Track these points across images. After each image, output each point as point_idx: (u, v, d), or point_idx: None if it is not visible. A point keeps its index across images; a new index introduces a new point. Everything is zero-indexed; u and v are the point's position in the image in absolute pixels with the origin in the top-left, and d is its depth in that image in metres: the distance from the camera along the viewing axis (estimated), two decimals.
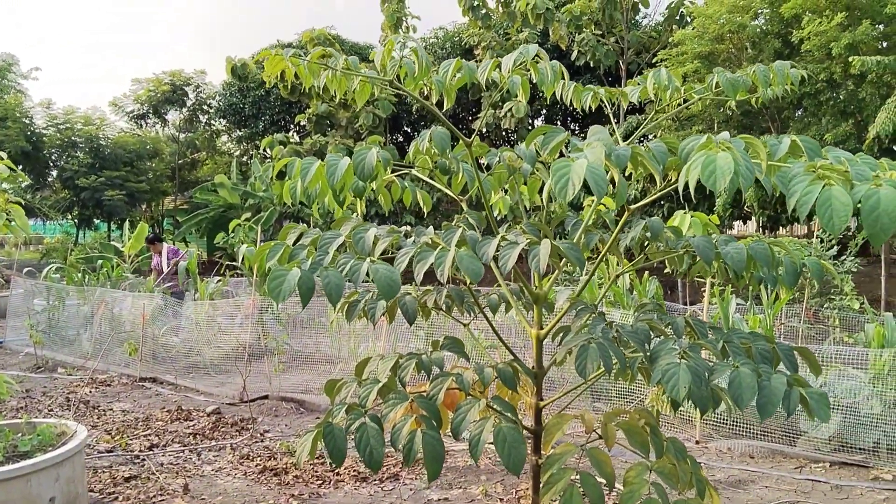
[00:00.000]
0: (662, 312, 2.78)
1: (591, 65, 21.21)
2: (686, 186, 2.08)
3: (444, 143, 2.88)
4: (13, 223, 4.55)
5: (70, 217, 27.79)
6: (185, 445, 6.48)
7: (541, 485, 2.47)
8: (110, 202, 25.14)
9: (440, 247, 2.28)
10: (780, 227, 21.85)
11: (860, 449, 5.66)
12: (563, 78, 2.66)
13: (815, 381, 5.91)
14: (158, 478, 5.61)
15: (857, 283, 9.45)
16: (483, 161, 3.54)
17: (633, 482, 2.44)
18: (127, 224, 18.61)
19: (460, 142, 3.47)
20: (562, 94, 3.40)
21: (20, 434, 4.84)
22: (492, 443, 2.35)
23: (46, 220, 29.06)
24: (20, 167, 27.13)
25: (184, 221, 25.03)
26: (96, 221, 27.00)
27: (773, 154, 2.40)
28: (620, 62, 21.89)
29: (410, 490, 5.41)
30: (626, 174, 2.64)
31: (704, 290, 7.42)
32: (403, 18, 23.89)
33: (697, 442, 6.31)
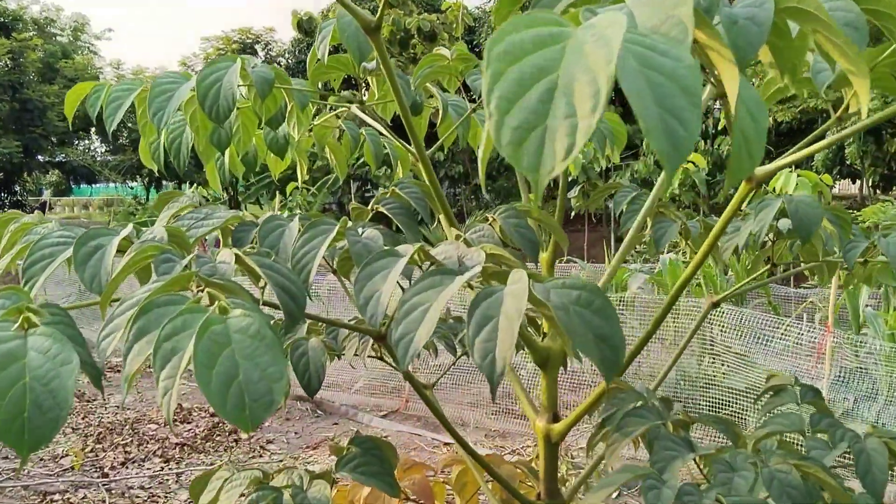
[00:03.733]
0: (841, 427, 1.26)
1: None
2: None
3: (360, 44, 1.44)
4: None
5: (140, 179, 27.49)
6: (166, 461, 5.32)
7: None
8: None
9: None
10: (894, 187, 19.05)
11: None
12: None
13: None
14: None
15: None
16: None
17: None
18: (189, 186, 17.86)
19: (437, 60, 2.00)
20: None
21: None
22: None
23: (110, 182, 28.90)
24: (91, 129, 26.93)
25: (254, 182, 24.24)
26: (165, 183, 26.56)
27: None
28: None
29: None
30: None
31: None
32: None
33: None
